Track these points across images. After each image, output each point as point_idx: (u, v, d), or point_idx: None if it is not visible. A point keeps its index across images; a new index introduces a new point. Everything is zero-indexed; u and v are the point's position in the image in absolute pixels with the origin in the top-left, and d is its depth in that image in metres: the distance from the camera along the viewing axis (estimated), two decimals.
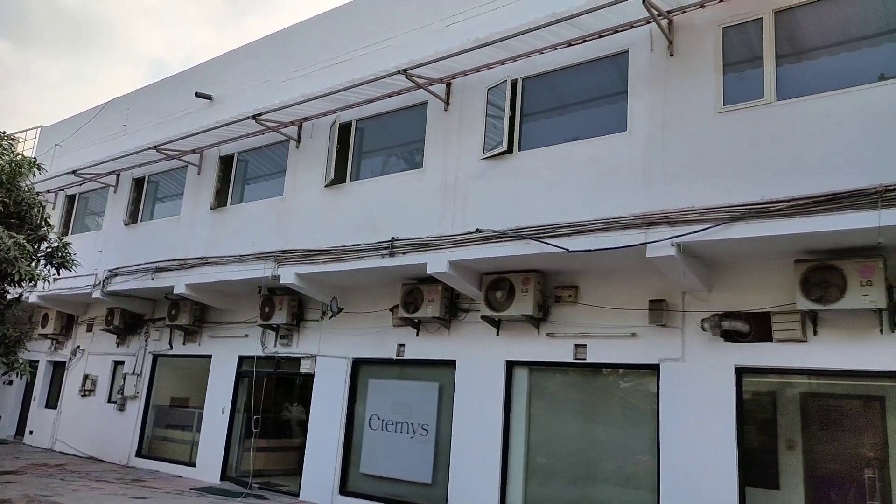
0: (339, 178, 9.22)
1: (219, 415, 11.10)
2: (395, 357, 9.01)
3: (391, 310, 9.10)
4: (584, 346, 7.44)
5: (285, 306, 9.98)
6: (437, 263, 7.69)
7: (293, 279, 9.09)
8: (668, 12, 6.60)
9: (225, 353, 11.29)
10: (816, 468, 6.26)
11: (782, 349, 6.22)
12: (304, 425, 10.00)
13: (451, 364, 8.45)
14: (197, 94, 11.98)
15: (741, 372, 6.47)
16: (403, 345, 8.97)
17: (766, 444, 6.48)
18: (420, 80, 8.19)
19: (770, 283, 6.34)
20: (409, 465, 8.55)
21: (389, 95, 8.89)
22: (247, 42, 12.08)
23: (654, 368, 6.96)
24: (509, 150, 7.57)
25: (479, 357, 8.18)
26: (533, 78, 7.74)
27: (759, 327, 6.37)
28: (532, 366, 7.93)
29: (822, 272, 5.79)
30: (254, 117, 9.62)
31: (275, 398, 11.87)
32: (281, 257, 9.34)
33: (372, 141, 9.40)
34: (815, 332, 6.09)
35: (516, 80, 7.76)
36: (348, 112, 9.38)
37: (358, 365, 9.53)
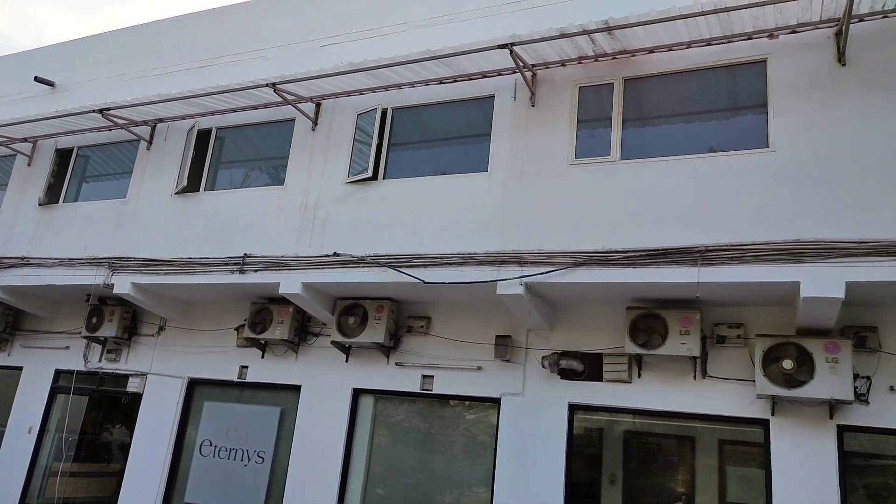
0: (192, 187, 8.72)
1: (24, 434, 9.87)
2: (236, 379, 8.56)
3: (236, 329, 8.68)
4: (432, 376, 7.52)
5: (116, 318, 9.17)
6: (290, 284, 7.47)
7: (129, 289, 8.40)
8: (533, 66, 7.02)
9: (39, 366, 10.12)
10: (634, 501, 6.74)
11: (611, 389, 6.68)
12: (126, 449, 9.16)
13: (295, 389, 8.18)
14: (36, 79, 10.86)
15: (574, 409, 6.84)
16: (246, 366, 8.56)
17: (592, 478, 6.89)
18: (289, 97, 8.02)
19: (604, 327, 6.81)
20: (240, 495, 8.09)
21: (255, 107, 8.61)
22: (104, 31, 11.21)
23: (496, 402, 7.17)
24: (374, 177, 7.59)
25: (326, 383, 8.00)
26: (403, 109, 7.86)
27: (592, 367, 6.80)
28: (379, 394, 7.87)
29: (649, 319, 6.32)
30: (101, 111, 8.87)
31: (95, 418, 10.77)
32: (117, 265, 8.60)
33: (232, 151, 9.01)
34: (639, 375, 6.60)
35: (387, 109, 7.84)
36: (209, 119, 8.95)
37: (194, 386, 8.94)
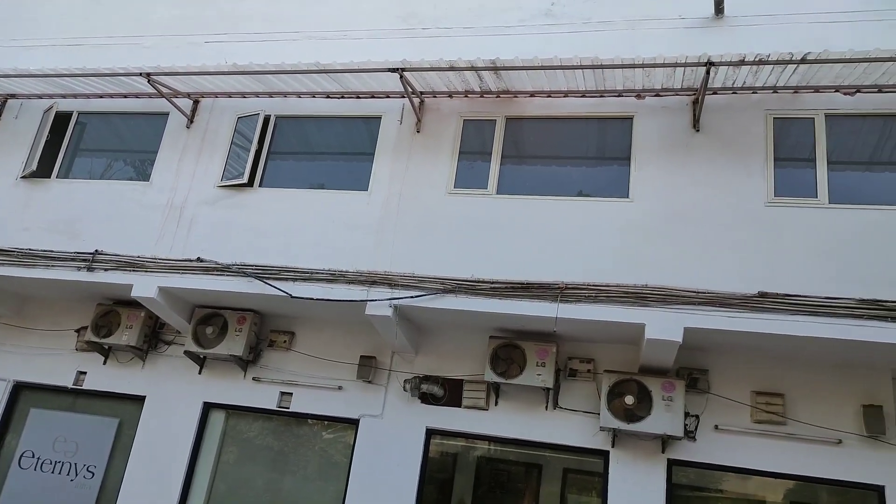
0: (42, 172, 7.99)
1: None
2: (71, 386, 7.83)
3: (77, 331, 7.97)
4: (291, 394, 7.30)
5: None
6: (144, 287, 6.99)
7: None
8: (421, 93, 7.16)
9: None
10: None
11: (468, 415, 6.82)
12: None
13: (139, 400, 7.61)
14: None
15: (431, 433, 6.91)
16: (85, 372, 7.85)
17: (442, 503, 6.96)
18: (164, 90, 7.60)
19: (467, 354, 6.97)
20: None
21: (126, 96, 8.08)
22: None
23: (354, 423, 7.08)
24: (250, 183, 7.35)
25: (174, 395, 7.52)
26: (287, 118, 7.70)
27: (452, 393, 6.91)
28: (232, 410, 7.51)
29: (509, 349, 6.56)
30: None
31: None
32: None
33: (94, 139, 8.36)
34: (496, 403, 6.80)
35: (270, 115, 7.65)
36: (71, 101, 8.27)
37: (20, 390, 8.06)
